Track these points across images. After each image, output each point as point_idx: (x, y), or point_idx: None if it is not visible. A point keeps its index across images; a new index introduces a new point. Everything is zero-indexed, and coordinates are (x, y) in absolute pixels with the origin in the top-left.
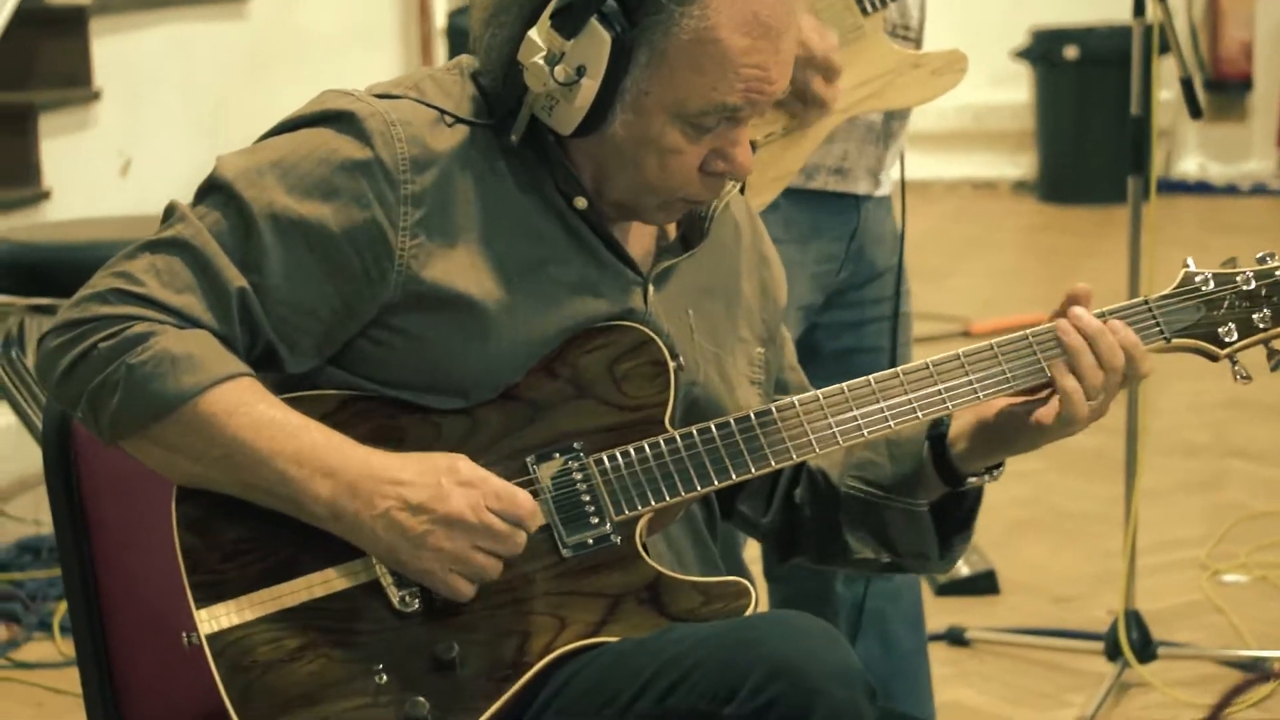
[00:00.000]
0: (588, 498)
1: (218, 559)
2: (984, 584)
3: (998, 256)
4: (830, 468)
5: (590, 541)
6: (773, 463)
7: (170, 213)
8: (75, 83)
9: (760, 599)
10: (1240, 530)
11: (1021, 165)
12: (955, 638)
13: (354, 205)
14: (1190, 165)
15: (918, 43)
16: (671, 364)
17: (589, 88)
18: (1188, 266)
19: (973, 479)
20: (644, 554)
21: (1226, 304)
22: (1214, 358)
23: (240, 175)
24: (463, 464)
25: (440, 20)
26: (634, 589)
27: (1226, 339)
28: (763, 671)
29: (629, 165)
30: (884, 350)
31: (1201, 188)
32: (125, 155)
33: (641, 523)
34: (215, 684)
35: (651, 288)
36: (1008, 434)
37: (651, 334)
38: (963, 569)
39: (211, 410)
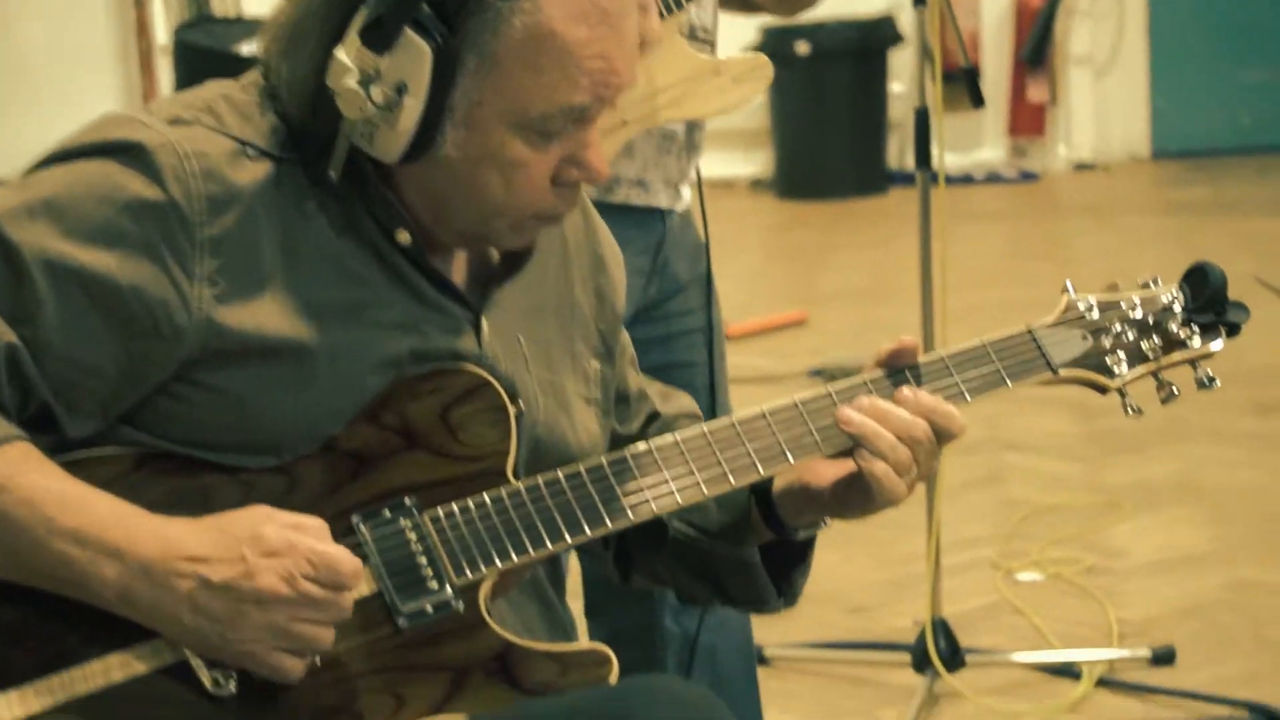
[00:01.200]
0: (424, 560)
1: None
2: None
3: (744, 257)
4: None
5: (429, 609)
6: (631, 517)
7: None
8: None
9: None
10: (1028, 527)
11: (757, 163)
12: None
13: (142, 254)
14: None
15: (713, 46)
16: (512, 409)
17: (412, 107)
18: (1068, 292)
19: (803, 530)
20: (490, 621)
21: (1114, 332)
22: (1104, 390)
23: (8, 215)
24: (267, 529)
25: (162, 37)
26: (481, 660)
27: (1116, 369)
28: None
29: (469, 188)
30: (697, 365)
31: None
32: None
33: (485, 586)
34: None
35: (485, 322)
36: (830, 504)
37: (487, 376)
38: None
39: None
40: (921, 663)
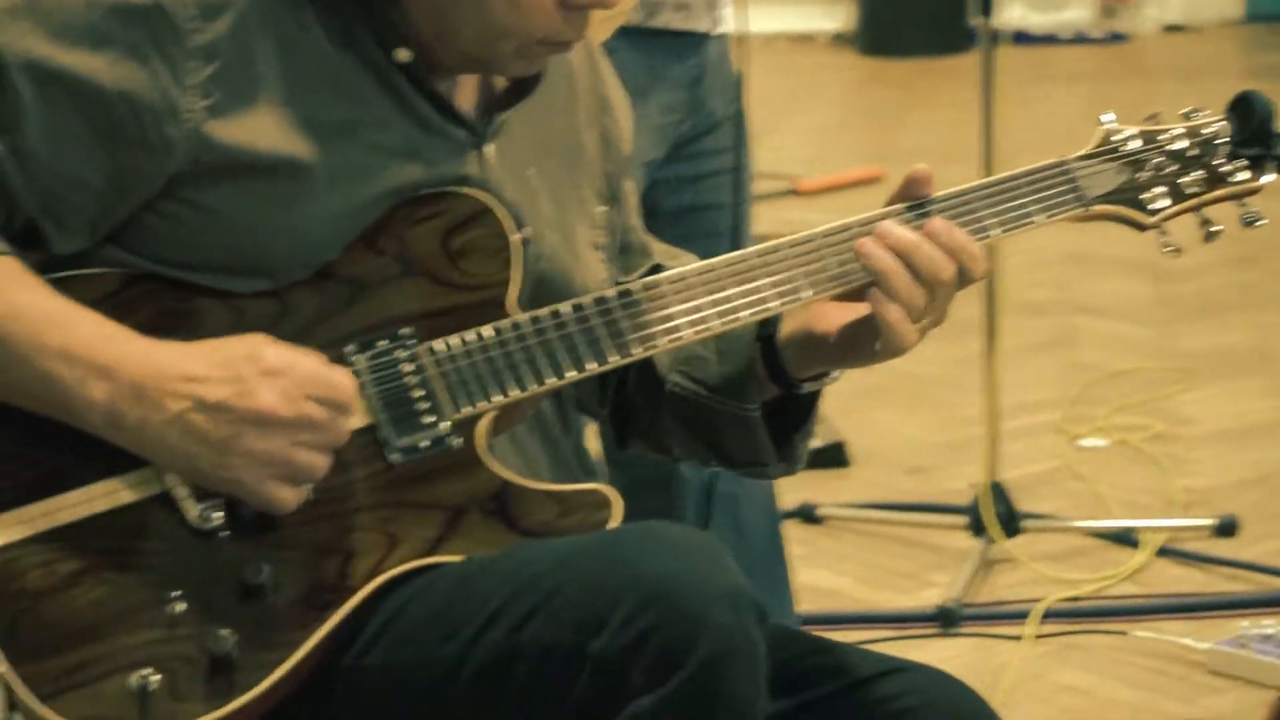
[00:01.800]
0: (420, 393)
1: None
2: (833, 456)
3: (820, 112)
4: (659, 358)
5: (424, 444)
6: (635, 351)
7: None
8: None
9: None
10: (1095, 391)
11: (839, 17)
12: (806, 515)
13: (130, 58)
14: (1010, 15)
15: None
16: (515, 236)
17: None
18: (1105, 123)
19: (808, 384)
20: (487, 459)
21: (1153, 166)
22: (1141, 227)
23: None
24: (266, 349)
25: None
26: (478, 499)
27: (1153, 206)
28: (635, 597)
29: (474, 5)
30: (724, 206)
31: (1021, 38)
32: None
33: (484, 422)
34: None
35: (490, 148)
36: (836, 351)
37: (490, 201)
38: (811, 441)
39: None
40: (977, 526)
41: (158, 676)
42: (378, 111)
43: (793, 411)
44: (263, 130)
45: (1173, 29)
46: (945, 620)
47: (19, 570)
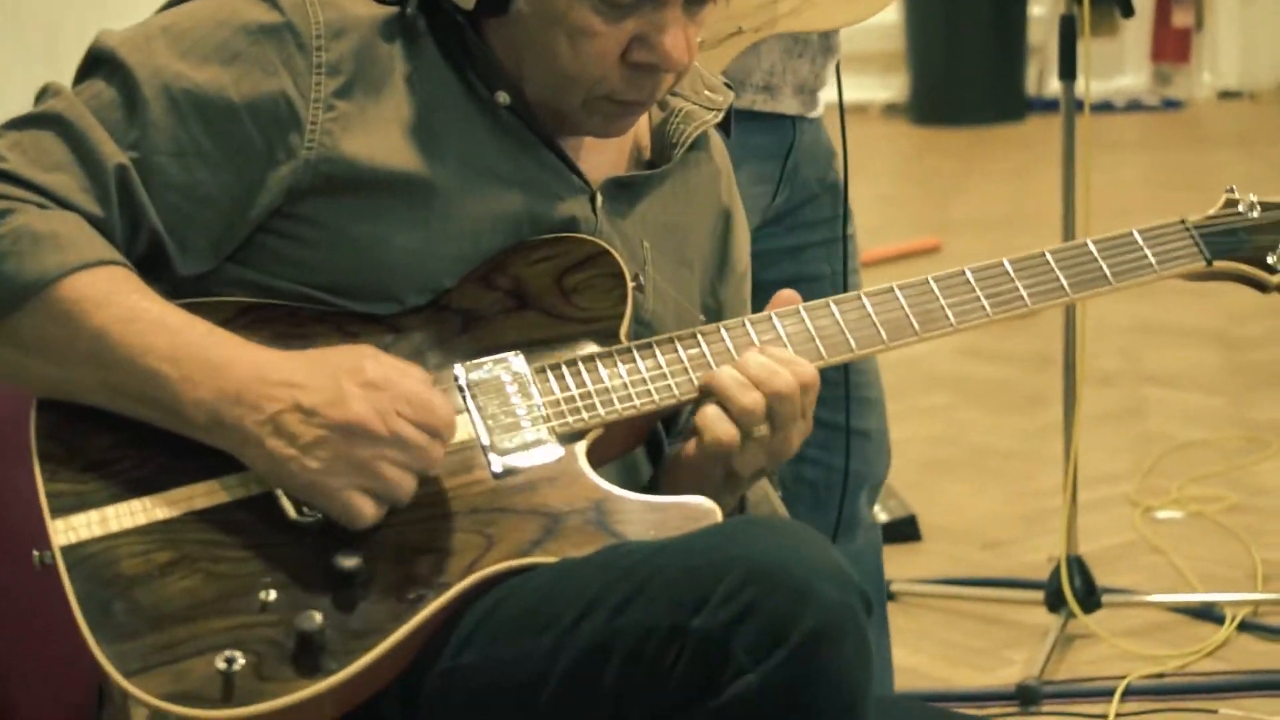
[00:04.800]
0: (524, 407)
1: (80, 466)
2: (905, 530)
3: (876, 183)
4: None
5: (526, 458)
6: None
7: (43, 93)
8: None
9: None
10: (1168, 463)
11: (892, 87)
12: None
13: (258, 72)
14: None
15: None
16: (630, 280)
17: None
18: (1230, 192)
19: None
20: (589, 471)
21: (1272, 232)
22: (1263, 286)
23: (125, 42)
24: (368, 362)
25: None
26: (577, 508)
27: (1278, 266)
28: (738, 574)
29: (541, 50)
30: (826, 277)
31: (1076, 105)
32: None
33: (587, 439)
34: (69, 603)
35: (600, 199)
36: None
37: (606, 245)
38: (881, 515)
39: (77, 297)
40: (1055, 602)
41: (244, 657)
42: (494, 143)
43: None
44: (384, 147)
45: (1228, 95)
46: (1026, 698)
47: (116, 558)
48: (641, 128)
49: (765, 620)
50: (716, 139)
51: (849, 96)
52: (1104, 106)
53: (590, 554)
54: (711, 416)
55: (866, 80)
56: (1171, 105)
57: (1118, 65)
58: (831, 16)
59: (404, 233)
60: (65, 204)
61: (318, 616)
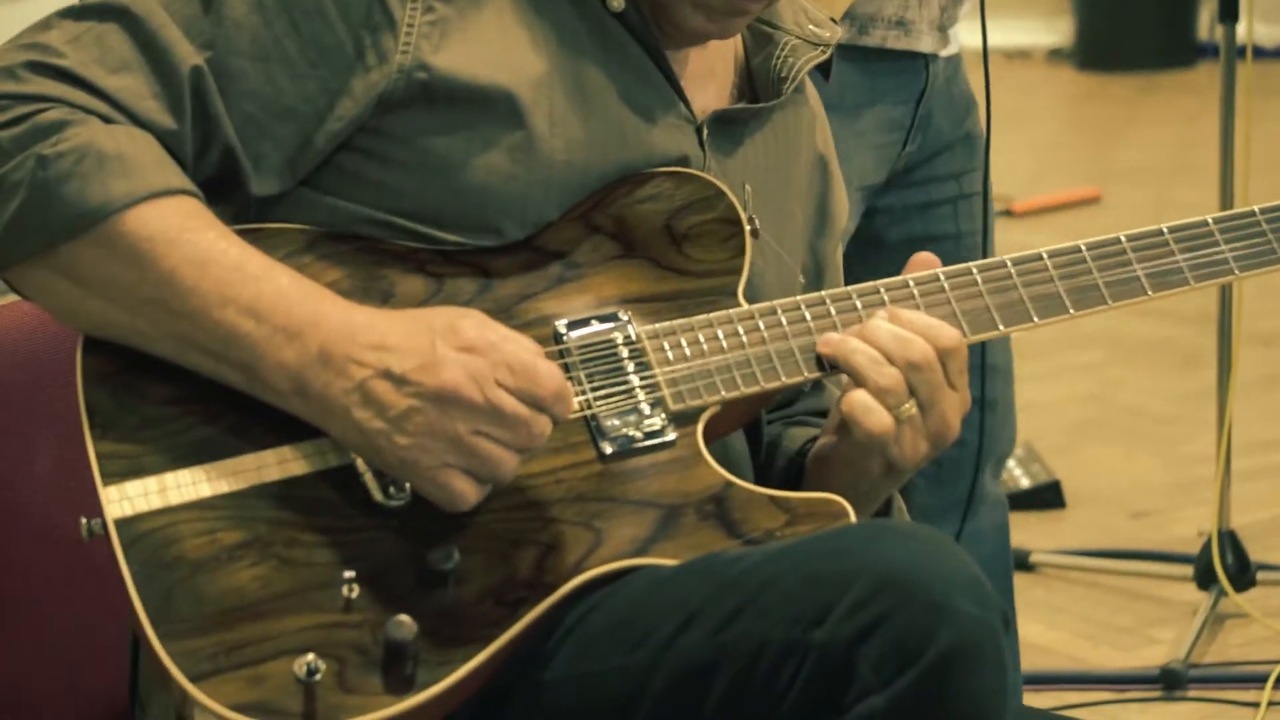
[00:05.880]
0: (636, 380)
1: (136, 424)
2: (1048, 497)
3: (1036, 130)
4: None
5: (639, 436)
6: None
7: None
8: None
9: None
10: None
11: (1057, 32)
12: (1018, 563)
13: None
14: (1240, 28)
15: None
16: (746, 224)
17: None
18: None
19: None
20: (708, 457)
21: None
22: None
23: None
24: (468, 322)
25: None
26: (694, 500)
27: None
28: (868, 583)
29: None
30: (961, 237)
31: (1257, 52)
32: None
33: (704, 417)
34: (123, 584)
35: (706, 132)
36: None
37: (722, 185)
38: (1023, 480)
39: (146, 232)
40: (1206, 578)
41: (325, 664)
42: (600, 58)
43: None
44: (482, 60)
45: None
46: (1170, 682)
47: (177, 537)
48: (740, 61)
49: (896, 635)
50: (809, 82)
51: (1011, 41)
52: (1273, 53)
53: (689, 560)
54: (860, 406)
55: (1030, 24)
56: None
57: None
58: None
59: (500, 157)
60: (132, 114)
61: (409, 622)
